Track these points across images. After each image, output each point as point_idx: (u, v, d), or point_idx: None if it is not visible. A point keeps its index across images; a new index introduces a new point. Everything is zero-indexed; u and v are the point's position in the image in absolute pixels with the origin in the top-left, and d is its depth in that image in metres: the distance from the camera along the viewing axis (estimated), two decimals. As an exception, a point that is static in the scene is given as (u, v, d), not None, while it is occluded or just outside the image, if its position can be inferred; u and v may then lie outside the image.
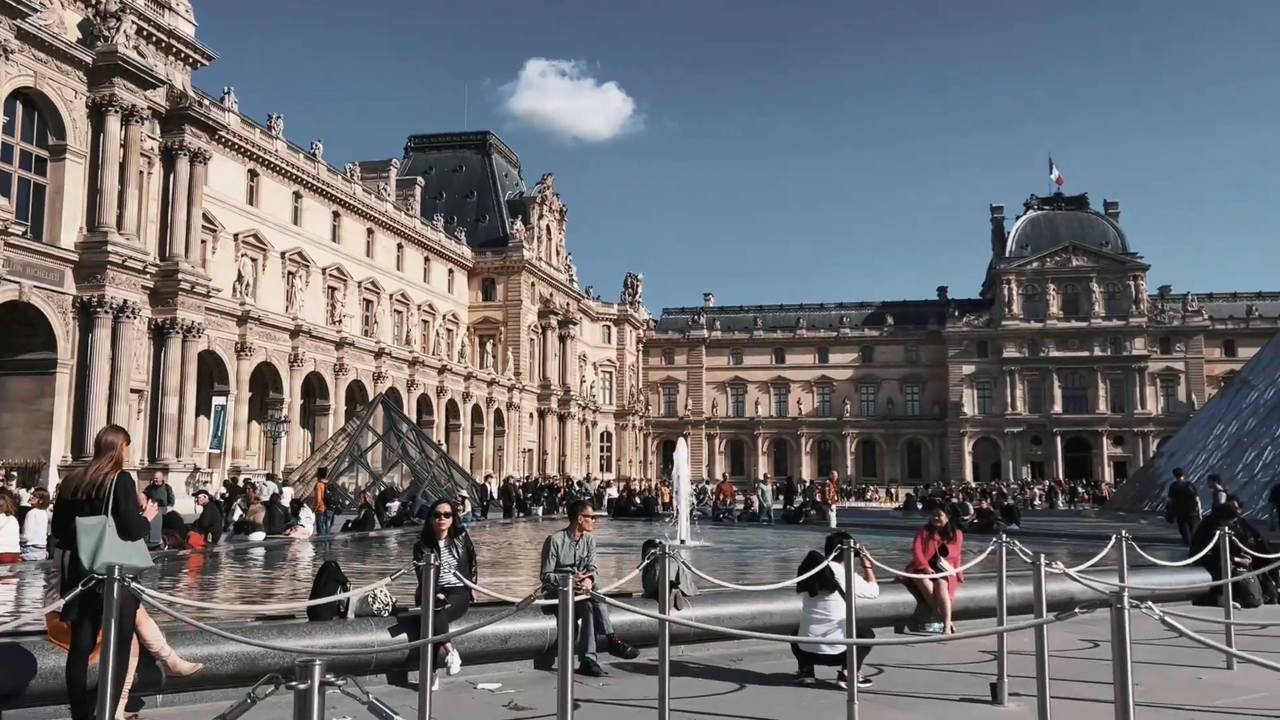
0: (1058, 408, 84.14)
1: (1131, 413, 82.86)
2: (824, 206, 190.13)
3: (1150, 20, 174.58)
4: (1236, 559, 10.04)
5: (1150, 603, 3.52)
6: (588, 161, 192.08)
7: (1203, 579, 10.60)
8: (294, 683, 2.58)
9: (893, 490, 66.21)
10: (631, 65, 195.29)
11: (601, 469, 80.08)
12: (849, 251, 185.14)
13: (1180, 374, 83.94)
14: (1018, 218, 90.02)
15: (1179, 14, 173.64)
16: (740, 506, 33.57)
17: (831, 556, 7.18)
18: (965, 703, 6.54)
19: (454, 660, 7.22)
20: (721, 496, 33.80)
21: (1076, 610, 4.21)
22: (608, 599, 6.87)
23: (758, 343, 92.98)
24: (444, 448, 45.45)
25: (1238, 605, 10.50)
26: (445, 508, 7.91)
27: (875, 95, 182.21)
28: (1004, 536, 7.34)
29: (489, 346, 67.46)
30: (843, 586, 6.73)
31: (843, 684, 6.47)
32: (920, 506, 38.36)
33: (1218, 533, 8.56)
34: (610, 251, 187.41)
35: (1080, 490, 57.27)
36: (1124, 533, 8.00)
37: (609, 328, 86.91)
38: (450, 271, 67.28)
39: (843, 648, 6.61)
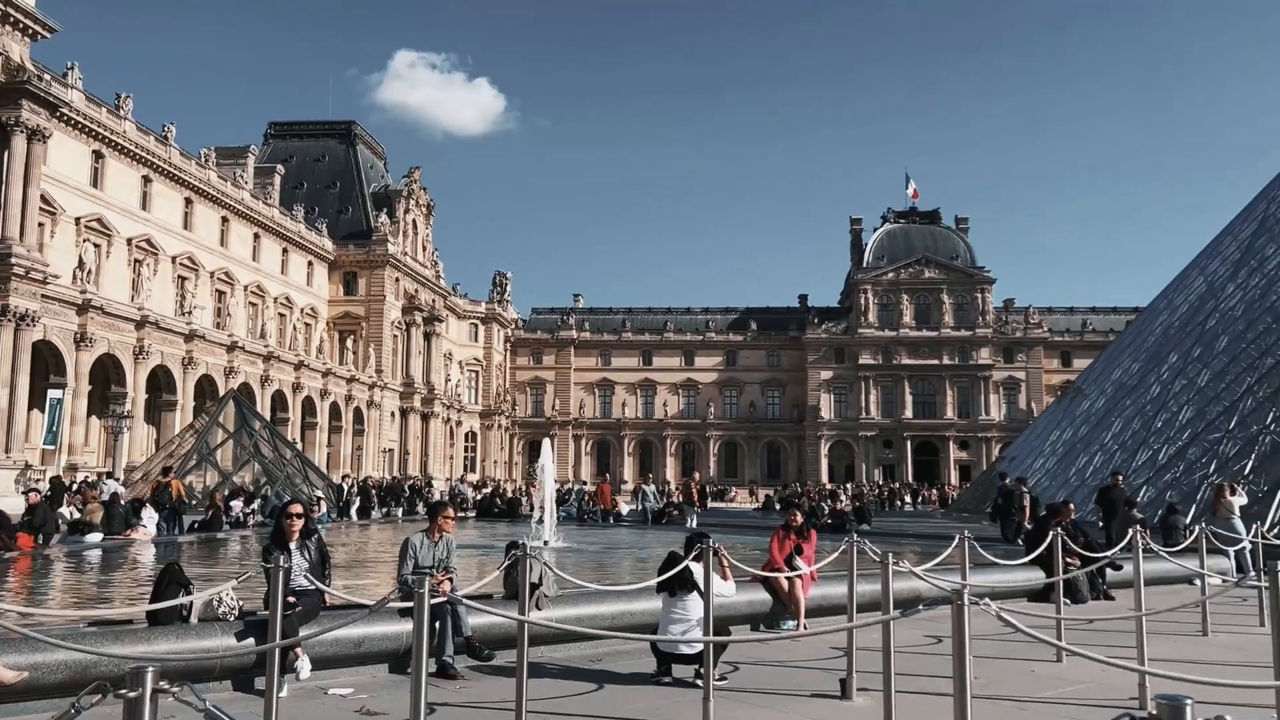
0: (909, 413, 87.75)
1: (976, 419, 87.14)
2: (692, 212, 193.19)
3: (1002, 43, 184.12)
4: (1067, 558, 10.68)
5: (989, 600, 3.69)
6: (458, 157, 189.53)
7: (1037, 577, 11.22)
8: (123, 690, 2.42)
9: (753, 491, 67.71)
10: (505, 62, 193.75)
11: (465, 469, 79.03)
12: (716, 257, 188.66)
13: (1021, 382, 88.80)
14: (875, 230, 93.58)
15: (1024, 39, 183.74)
16: (627, 509, 33.42)
17: (690, 557, 7.27)
18: (816, 698, 6.72)
19: (304, 665, 6.99)
20: (600, 498, 33.05)
21: (921, 607, 4.39)
22: (466, 601, 6.76)
23: (626, 344, 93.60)
24: (299, 446, 43.96)
25: (1068, 601, 11.17)
26: (297, 508, 7.65)
27: (744, 106, 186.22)
28: (855, 536, 7.58)
29: (350, 342, 65.65)
30: (701, 586, 6.84)
31: (699, 682, 6.56)
32: (778, 507, 39.31)
33: (1050, 533, 9.07)
34: (480, 249, 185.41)
35: (926, 492, 59.90)
36: (966, 533, 8.39)
37: (476, 326, 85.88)
38: (310, 264, 65.18)
39: (700, 646, 6.70)
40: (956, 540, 8.42)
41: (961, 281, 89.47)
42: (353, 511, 31.86)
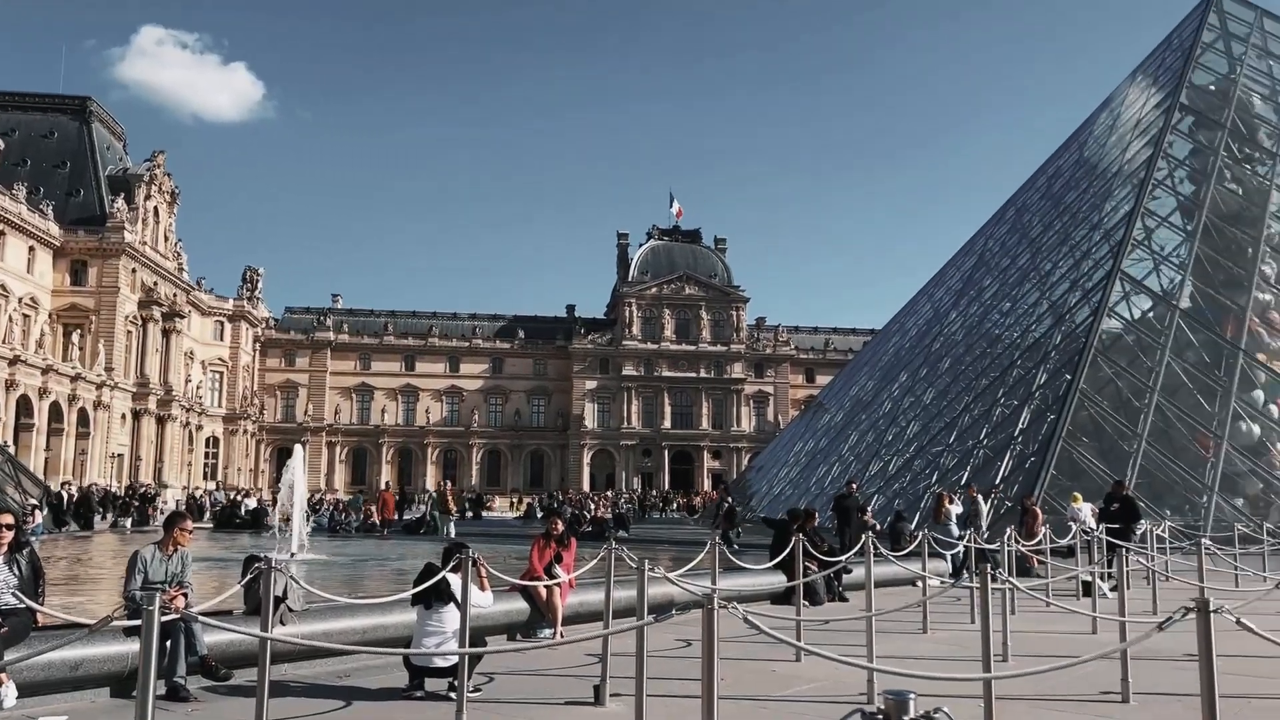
0: (667, 423, 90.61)
1: (729, 430, 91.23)
2: (461, 217, 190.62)
3: (761, 77, 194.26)
4: (807, 563, 11.35)
5: (736, 603, 3.85)
6: (209, 143, 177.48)
7: (780, 581, 11.85)
8: None
9: (518, 499, 67.53)
10: (264, 48, 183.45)
11: (205, 477, 73.95)
12: (485, 264, 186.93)
13: (770, 396, 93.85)
14: (641, 246, 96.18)
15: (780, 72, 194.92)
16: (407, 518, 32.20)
17: (449, 567, 7.14)
18: (570, 706, 6.77)
19: (8, 692, 6.28)
20: (384, 508, 31.01)
21: (674, 612, 4.52)
22: (201, 618, 6.32)
23: (388, 348, 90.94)
24: (11, 450, 39.61)
25: (807, 604, 11.87)
26: (7, 518, 6.87)
27: (516, 114, 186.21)
28: (614, 543, 7.72)
29: (76, 337, 59.89)
30: (459, 597, 6.73)
31: (453, 695, 6.45)
32: (540, 515, 39.43)
33: (793, 539, 9.62)
34: (230, 243, 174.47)
35: (681, 499, 62.04)
36: (717, 539, 8.74)
37: (223, 324, 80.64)
38: (31, 249, 59.01)
39: (455, 659, 6.59)
40: (708, 546, 8.76)
41: (719, 299, 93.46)
42: (73, 521, 29.06)
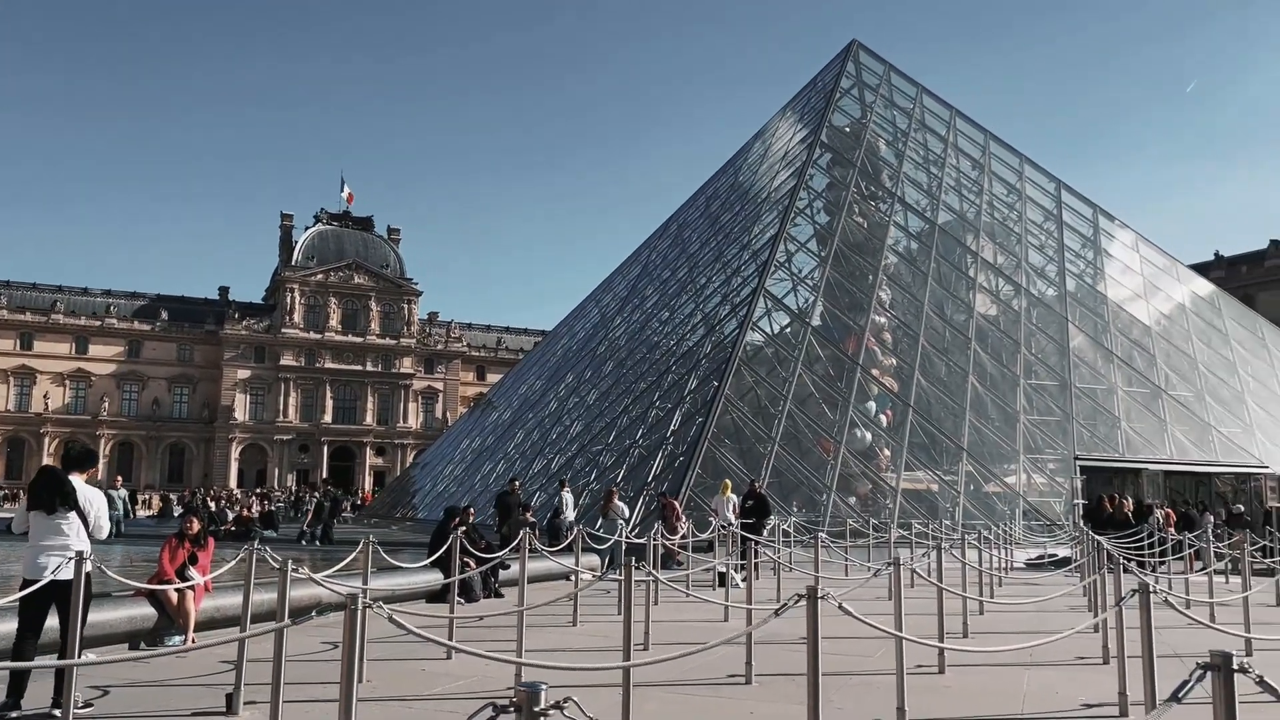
0: (328, 417, 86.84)
1: (395, 426, 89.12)
2: (94, 183, 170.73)
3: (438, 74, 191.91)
4: (465, 559, 11.34)
5: (381, 603, 3.74)
6: None
7: (437, 579, 11.73)
8: None
9: (155, 496, 61.57)
10: None
11: None
12: (124, 235, 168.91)
13: (439, 393, 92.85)
14: (307, 229, 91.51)
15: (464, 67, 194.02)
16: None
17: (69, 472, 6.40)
18: (197, 716, 6.28)
19: None
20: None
21: (313, 614, 4.32)
22: None
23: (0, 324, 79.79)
24: None
25: (463, 600, 11.85)
26: None
27: (174, 83, 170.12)
28: (257, 543, 7.26)
29: None
30: (83, 506, 6.17)
31: (57, 712, 5.77)
32: (178, 513, 36.26)
33: (450, 536, 9.56)
34: None
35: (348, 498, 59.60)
36: (371, 537, 8.50)
37: None
38: None
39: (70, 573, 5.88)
40: (360, 545, 8.49)
41: (390, 291, 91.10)
42: None
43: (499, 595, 12.96)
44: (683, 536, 15.48)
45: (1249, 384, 32.78)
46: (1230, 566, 15.70)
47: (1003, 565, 16.93)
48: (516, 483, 19.27)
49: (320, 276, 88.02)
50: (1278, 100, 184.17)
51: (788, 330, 26.64)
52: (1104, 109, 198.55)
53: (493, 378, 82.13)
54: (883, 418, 24.76)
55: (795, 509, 20.99)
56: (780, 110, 42.22)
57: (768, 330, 26.37)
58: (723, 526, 15.17)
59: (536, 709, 2.48)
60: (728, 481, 18.04)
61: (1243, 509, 24.40)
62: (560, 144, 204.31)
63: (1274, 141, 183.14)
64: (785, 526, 17.98)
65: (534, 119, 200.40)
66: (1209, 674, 2.75)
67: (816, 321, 26.98)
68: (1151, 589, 5.34)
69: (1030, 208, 36.45)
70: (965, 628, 9.86)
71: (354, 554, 8.70)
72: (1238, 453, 28.39)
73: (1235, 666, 2.72)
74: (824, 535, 14.72)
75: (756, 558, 14.08)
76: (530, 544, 9.81)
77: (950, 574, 12.51)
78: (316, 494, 23.90)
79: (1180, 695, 2.72)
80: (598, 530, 17.06)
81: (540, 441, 31.61)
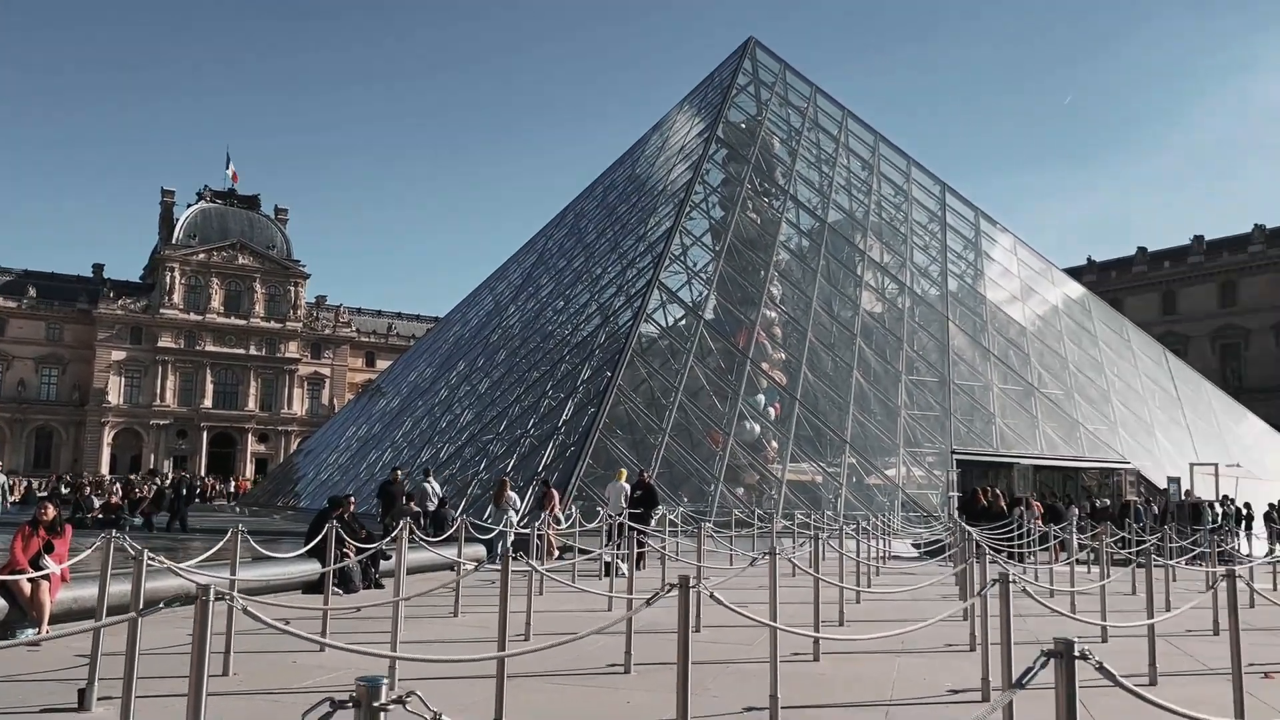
0: (208, 402, 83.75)
1: (279, 412, 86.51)
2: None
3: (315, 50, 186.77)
4: (344, 549, 11.07)
5: (236, 594, 3.60)
6: None
7: (314, 568, 11.43)
8: None
9: (13, 483, 58.32)
10: None
11: None
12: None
13: (326, 379, 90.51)
14: (190, 206, 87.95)
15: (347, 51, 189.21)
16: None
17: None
18: (48, 713, 5.96)
19: None
20: None
21: (161, 605, 4.13)
22: None
23: None
24: None
25: (341, 591, 11.58)
26: None
27: (42, 52, 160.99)
28: (116, 532, 6.93)
29: None
30: None
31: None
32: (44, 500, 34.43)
33: (327, 525, 9.32)
34: None
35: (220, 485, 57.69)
36: (240, 526, 8.20)
37: None
38: None
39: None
40: (229, 534, 8.18)
41: (276, 273, 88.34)
42: None
43: (379, 586, 12.69)
44: (569, 526, 15.45)
45: (1115, 383, 34.48)
46: (1092, 557, 16.50)
47: (880, 555, 17.41)
48: (398, 472, 18.87)
49: (202, 256, 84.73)
50: (1147, 116, 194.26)
51: (681, 323, 26.85)
52: (989, 115, 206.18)
53: (383, 364, 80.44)
54: (771, 410, 25.19)
55: (684, 500, 21.19)
56: (678, 104, 42.46)
57: (661, 322, 26.52)
58: (610, 516, 15.19)
59: (376, 704, 2.41)
60: (623, 470, 18.09)
61: (1108, 502, 25.69)
62: (456, 131, 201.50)
63: (1143, 155, 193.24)
64: (673, 517, 18.13)
65: (431, 104, 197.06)
66: (1052, 660, 2.85)
67: (709, 315, 27.26)
68: (1012, 579, 5.54)
69: (916, 209, 37.54)
70: (841, 616, 10.10)
71: (222, 543, 8.38)
72: (1103, 449, 29.85)
73: (1076, 653, 2.83)
74: (709, 525, 14.88)
75: (642, 548, 14.16)
76: (411, 534, 9.63)
77: (830, 564, 12.81)
78: (159, 481, 23.23)
79: (1024, 681, 2.82)
80: (486, 521, 16.91)
81: (429, 430, 31.15)
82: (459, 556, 11.44)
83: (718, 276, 27.77)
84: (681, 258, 28.42)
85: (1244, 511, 26.93)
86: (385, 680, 2.42)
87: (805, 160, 35.61)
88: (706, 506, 21.03)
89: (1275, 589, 14.62)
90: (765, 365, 26.33)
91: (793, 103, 37.61)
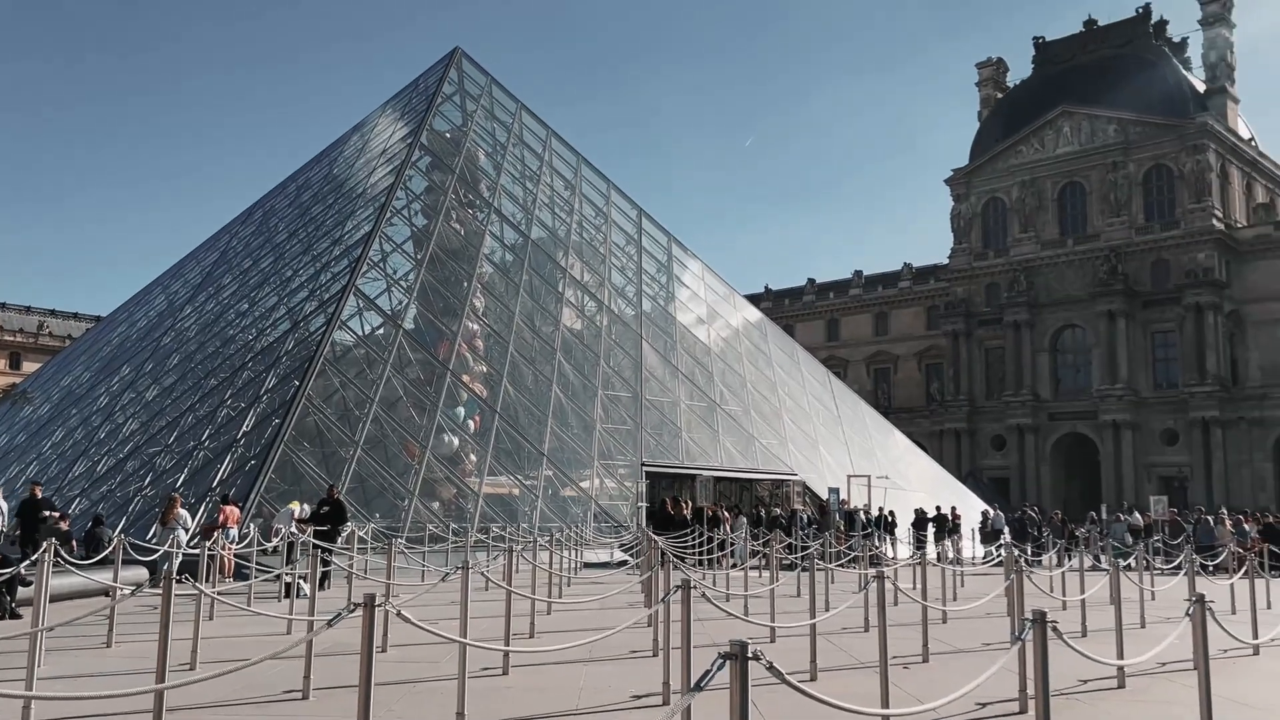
0: None
1: (-106, 419, 74.39)
2: None
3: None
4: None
5: None
6: None
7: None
8: None
9: None
10: None
11: None
12: None
13: (-42, 382, 79.04)
14: None
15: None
16: None
17: None
18: None
19: None
20: None
21: None
22: None
23: None
24: None
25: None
26: None
27: None
28: None
29: None
30: None
31: None
32: None
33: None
34: None
35: None
36: None
37: None
38: None
39: None
40: None
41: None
42: None
43: (15, 616, 11.21)
44: (246, 543, 14.44)
45: (785, 401, 37.42)
46: (763, 563, 17.76)
47: (572, 565, 17.74)
48: (37, 487, 16.59)
49: None
50: (817, 159, 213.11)
51: (379, 331, 26.00)
52: (680, 148, 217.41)
53: (30, 366, 71.46)
54: (471, 423, 24.99)
55: (376, 516, 20.48)
56: (381, 107, 41.29)
57: (358, 330, 25.53)
58: (292, 533, 14.36)
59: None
60: (295, 502, 17.16)
61: (779, 511, 27.79)
62: (124, 121, 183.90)
63: (814, 193, 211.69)
64: (362, 533, 17.49)
65: (97, 87, 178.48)
66: (728, 662, 3.00)
67: (409, 324, 26.63)
68: (692, 585, 5.80)
69: (615, 231, 38.84)
70: (533, 628, 10.16)
71: None
72: (775, 462, 32.25)
73: (750, 655, 2.99)
74: (401, 541, 14.48)
75: (327, 566, 13.51)
76: (58, 556, 8.57)
77: (523, 576, 12.86)
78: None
79: (703, 683, 2.94)
80: (150, 541, 15.47)
81: (85, 441, 27.99)
82: (115, 580, 10.34)
83: (419, 286, 27.21)
84: (381, 264, 27.57)
85: (889, 519, 30.07)
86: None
87: (510, 175, 35.80)
88: (399, 522, 20.45)
89: (914, 587, 16.45)
90: (466, 378, 26.10)
91: (498, 117, 37.71)
